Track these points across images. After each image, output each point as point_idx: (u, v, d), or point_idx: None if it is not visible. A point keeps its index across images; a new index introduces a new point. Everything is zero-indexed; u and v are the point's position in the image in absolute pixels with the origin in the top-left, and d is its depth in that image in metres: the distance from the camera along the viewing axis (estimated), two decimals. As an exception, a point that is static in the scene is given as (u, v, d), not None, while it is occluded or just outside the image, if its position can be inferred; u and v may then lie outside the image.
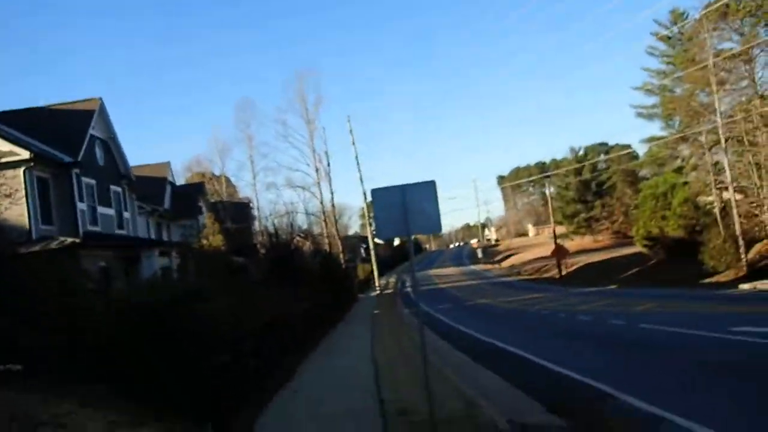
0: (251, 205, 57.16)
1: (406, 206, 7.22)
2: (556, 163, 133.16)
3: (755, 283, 28.45)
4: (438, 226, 7.34)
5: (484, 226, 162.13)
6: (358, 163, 75.67)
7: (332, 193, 57.10)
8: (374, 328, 23.25)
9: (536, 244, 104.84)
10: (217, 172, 65.73)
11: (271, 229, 30.01)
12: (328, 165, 57.12)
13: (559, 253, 54.85)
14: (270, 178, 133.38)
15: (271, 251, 26.58)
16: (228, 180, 67.30)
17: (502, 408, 8.15)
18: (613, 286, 42.34)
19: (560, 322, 21.13)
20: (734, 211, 41.04)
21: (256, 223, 52.65)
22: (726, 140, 41.54)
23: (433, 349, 15.65)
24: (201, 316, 8.43)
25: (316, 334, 21.62)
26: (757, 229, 41.31)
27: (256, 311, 12.30)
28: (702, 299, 23.72)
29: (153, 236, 28.83)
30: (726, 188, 45.20)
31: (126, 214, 24.34)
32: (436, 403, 7.27)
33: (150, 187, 32.94)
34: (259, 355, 11.14)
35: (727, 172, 41.58)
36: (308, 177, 56.47)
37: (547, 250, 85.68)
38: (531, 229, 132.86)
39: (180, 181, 49.28)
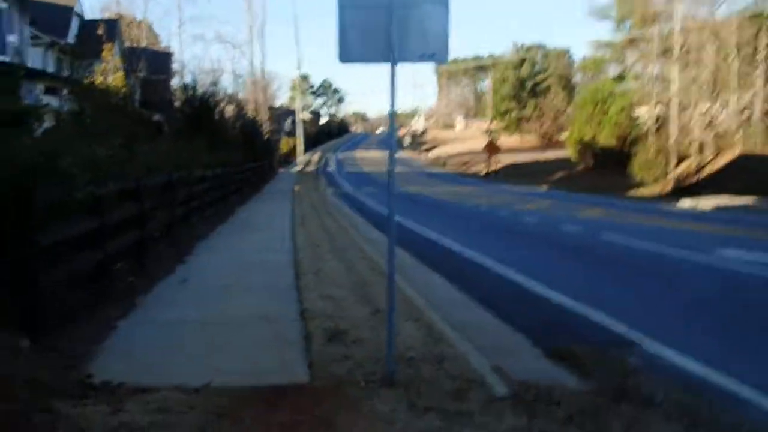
0: (173, 57, 51.61)
1: (395, 12, 4.37)
2: (493, 59, 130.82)
3: (697, 199, 27.35)
4: (444, 53, 4.50)
5: (413, 114, 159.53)
6: (295, 24, 69.63)
7: (263, 56, 52.65)
8: (295, 206, 20.57)
9: (464, 137, 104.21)
10: (138, 17, 59.33)
11: (189, 80, 26.27)
12: (263, 23, 52.26)
13: (491, 149, 53.00)
14: (198, 30, 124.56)
15: (187, 105, 23.09)
16: (150, 27, 61.00)
17: (478, 343, 5.75)
18: (543, 188, 41.07)
19: (506, 222, 18.95)
20: (674, 124, 40.17)
21: (178, 79, 47.69)
22: (682, 49, 39.81)
23: (366, 239, 13.21)
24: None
25: (227, 206, 18.79)
26: (684, 146, 40.97)
27: (148, 166, 9.35)
28: (652, 213, 22.18)
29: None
30: (660, 102, 44.51)
31: (11, 38, 20.02)
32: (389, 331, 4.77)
33: (51, 15, 28.10)
34: (144, 225, 8.28)
35: (675, 83, 40.20)
36: (241, 35, 51.38)
37: (474, 144, 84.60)
38: (460, 122, 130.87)
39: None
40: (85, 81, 14.65)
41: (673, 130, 40.04)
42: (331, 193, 30.87)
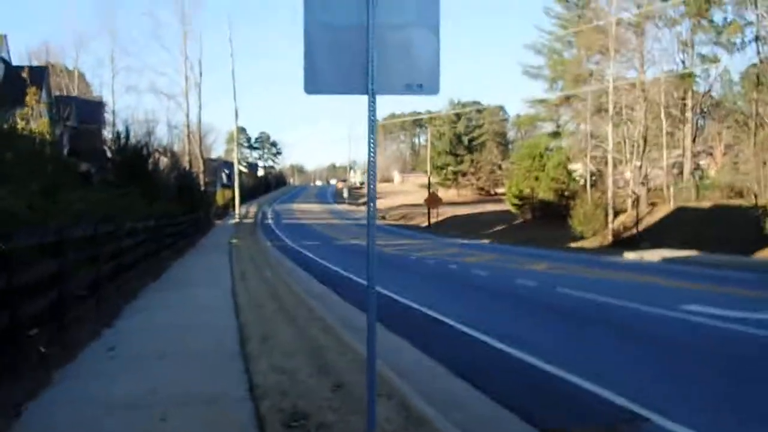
0: (105, 106, 49.87)
1: (374, 35, 3.63)
2: (430, 115, 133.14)
3: (641, 253, 27.52)
4: (434, 83, 3.75)
5: (350, 168, 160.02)
6: (233, 77, 68.64)
7: (200, 107, 51.55)
8: (234, 260, 19.44)
9: (401, 191, 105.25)
10: (70, 66, 57.57)
11: (122, 129, 25.02)
12: (201, 75, 51.34)
13: (432, 201, 52.93)
14: (133, 80, 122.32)
15: (118, 154, 21.83)
16: (82, 76, 59.24)
17: (465, 426, 4.94)
18: (486, 240, 40.93)
19: (458, 276, 18.31)
20: (610, 180, 41.00)
21: (110, 129, 45.97)
22: (614, 109, 40.95)
23: (313, 295, 12.30)
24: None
25: (160, 261, 17.54)
26: (620, 200, 41.92)
27: (72, 216, 8.28)
28: (600, 265, 21.94)
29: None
30: (594, 159, 45.69)
31: None
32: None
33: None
34: (60, 281, 7.18)
35: (610, 139, 41.35)
36: (176, 86, 50.28)
37: (413, 198, 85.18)
38: (397, 176, 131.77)
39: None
40: (5, 126, 13.41)
41: (609, 184, 40.79)
42: (269, 245, 29.73)
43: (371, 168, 3.93)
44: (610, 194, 40.09)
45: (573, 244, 37.84)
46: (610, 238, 38.37)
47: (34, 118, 14.64)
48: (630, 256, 27.09)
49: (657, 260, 24.69)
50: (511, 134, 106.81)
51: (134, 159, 21.29)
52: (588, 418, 5.42)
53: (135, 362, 6.48)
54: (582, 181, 50.02)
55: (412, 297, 12.60)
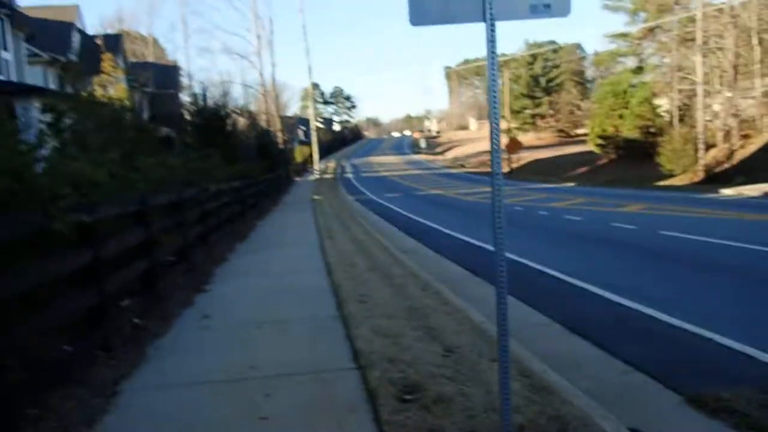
0: (181, 70, 50.45)
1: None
2: (504, 58, 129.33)
3: (738, 188, 25.75)
4: (565, 2, 3.14)
5: (425, 117, 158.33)
6: (305, 33, 68.12)
7: (273, 66, 51.50)
8: (318, 217, 19.22)
9: (478, 137, 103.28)
10: (144, 33, 58.51)
11: (199, 91, 25.05)
12: (272, 33, 51.18)
13: (513, 145, 51.42)
14: (205, 42, 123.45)
15: (197, 116, 21.80)
16: (156, 42, 60.18)
17: (595, 392, 4.36)
18: (571, 183, 39.53)
19: (552, 224, 17.32)
20: (699, 112, 38.60)
21: (186, 94, 46.56)
22: (702, 38, 38.16)
23: (404, 251, 11.84)
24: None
25: (246, 222, 17.51)
26: (709, 135, 39.38)
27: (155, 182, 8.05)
28: (698, 203, 20.57)
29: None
30: (682, 91, 43.03)
31: (5, 55, 18.82)
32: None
33: (51, 32, 26.87)
34: (149, 250, 6.95)
35: (699, 70, 38.69)
36: (248, 45, 50.24)
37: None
38: (473, 123, 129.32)
39: (95, 38, 42.20)
40: (84, 94, 13.39)
41: (699, 117, 38.43)
42: (352, 200, 29.52)
43: (493, 108, 3.30)
44: (700, 127, 37.79)
45: (662, 183, 36.04)
46: (701, 174, 36.37)
47: (111, 85, 14.56)
48: (727, 192, 25.40)
49: (758, 195, 22.97)
50: (589, 73, 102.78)
51: (213, 120, 21.20)
52: (738, 380, 4.72)
53: (231, 332, 6.19)
54: (667, 117, 47.37)
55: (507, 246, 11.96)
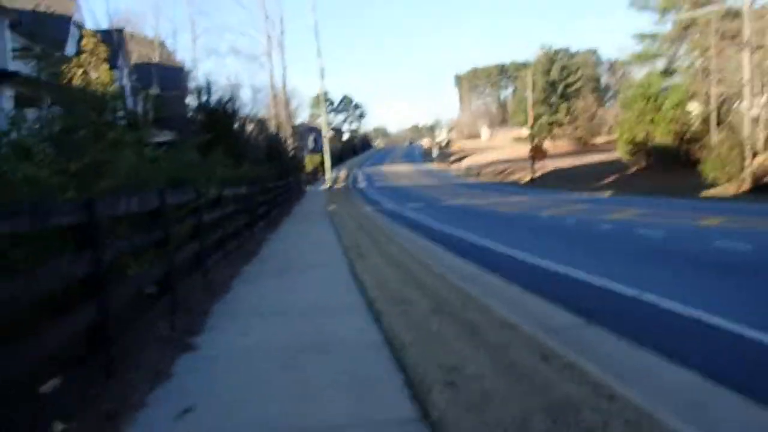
0: (187, 72, 47.79)
1: None
2: (515, 65, 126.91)
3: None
4: None
5: (434, 127, 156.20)
6: (316, 33, 65.21)
7: (284, 68, 48.87)
8: (339, 231, 16.29)
9: (491, 147, 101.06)
10: (150, 34, 56.16)
11: (204, 90, 22.23)
12: (282, 33, 48.61)
13: (537, 153, 48.45)
14: (213, 43, 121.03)
15: (201, 110, 19.07)
16: (163, 44, 57.74)
17: None
18: (606, 193, 36.47)
19: (623, 239, 14.17)
20: (746, 116, 35.68)
21: (193, 98, 43.81)
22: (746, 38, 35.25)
23: (463, 277, 8.90)
24: None
25: (255, 235, 14.65)
26: (754, 140, 36.36)
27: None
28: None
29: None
30: (722, 94, 40.11)
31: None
32: None
33: (47, 26, 24.45)
34: (100, 291, 4.04)
35: (746, 67, 35.74)
36: (257, 46, 47.78)
37: (506, 152, 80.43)
38: (485, 132, 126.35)
39: (98, 38, 39.67)
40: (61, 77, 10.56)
41: (745, 121, 35.47)
42: (372, 210, 26.57)
43: None
44: (746, 132, 34.80)
45: (711, 192, 32.94)
46: (748, 182, 33.25)
47: (94, 68, 11.85)
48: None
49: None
50: (604, 79, 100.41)
51: (218, 116, 18.44)
52: None
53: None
54: (699, 122, 44.40)
55: (595, 270, 9.03)
